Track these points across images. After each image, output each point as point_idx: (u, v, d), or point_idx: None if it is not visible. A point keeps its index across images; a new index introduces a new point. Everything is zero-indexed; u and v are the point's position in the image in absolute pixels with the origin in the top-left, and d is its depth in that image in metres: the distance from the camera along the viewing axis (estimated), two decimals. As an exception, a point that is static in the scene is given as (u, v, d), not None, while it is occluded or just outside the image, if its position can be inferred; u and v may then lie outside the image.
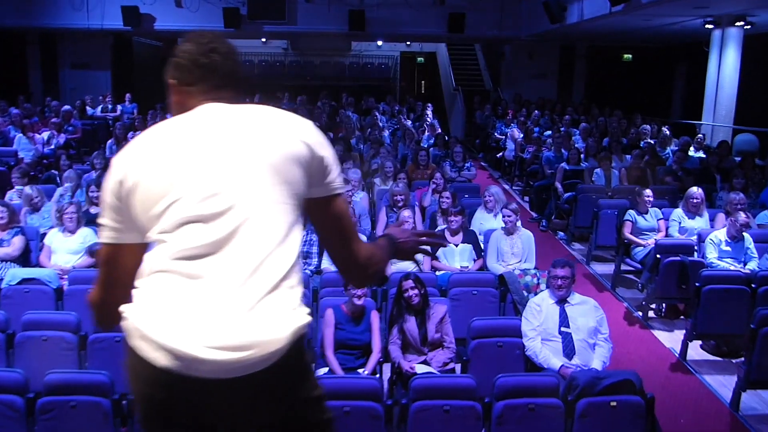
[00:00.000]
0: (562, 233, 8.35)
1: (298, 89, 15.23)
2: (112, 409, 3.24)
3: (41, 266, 5.31)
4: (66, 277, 4.96)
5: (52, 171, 8.60)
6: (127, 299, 1.38)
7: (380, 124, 11.86)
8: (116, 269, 1.49)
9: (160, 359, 1.28)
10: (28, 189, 6.30)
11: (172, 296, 1.32)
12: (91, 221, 6.03)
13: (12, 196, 6.66)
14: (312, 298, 4.69)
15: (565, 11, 12.55)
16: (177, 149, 1.42)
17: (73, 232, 5.43)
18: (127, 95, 13.90)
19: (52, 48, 16.16)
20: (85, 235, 5.45)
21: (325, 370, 4.10)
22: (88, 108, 13.47)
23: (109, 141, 9.89)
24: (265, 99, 12.15)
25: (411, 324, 4.19)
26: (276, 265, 1.36)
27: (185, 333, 1.28)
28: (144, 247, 1.47)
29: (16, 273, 4.85)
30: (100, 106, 13.61)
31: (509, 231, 5.57)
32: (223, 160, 1.40)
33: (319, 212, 1.53)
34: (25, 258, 5.50)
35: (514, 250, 5.52)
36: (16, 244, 5.36)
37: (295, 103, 12.87)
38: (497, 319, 4.64)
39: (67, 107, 11.42)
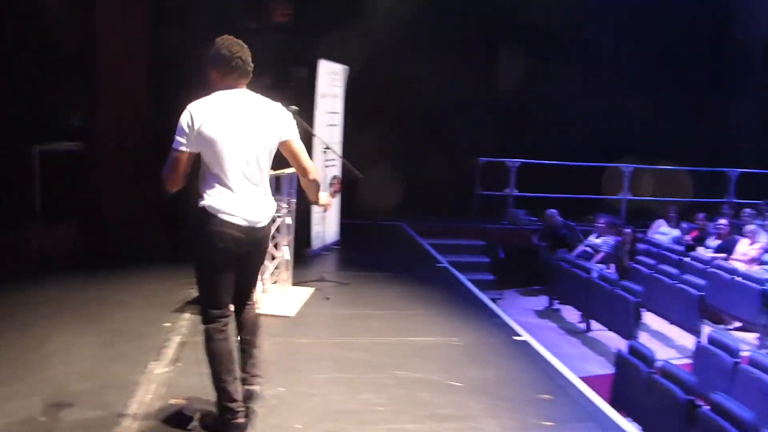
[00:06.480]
0: None
1: None
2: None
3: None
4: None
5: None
6: (180, 184, 2.82)
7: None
8: (181, 165, 2.79)
9: (239, 220, 2.83)
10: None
11: (229, 198, 2.81)
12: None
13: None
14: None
15: None
16: (228, 110, 2.82)
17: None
18: None
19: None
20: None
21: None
22: None
23: None
24: None
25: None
26: (266, 185, 2.96)
27: (242, 212, 2.83)
28: (193, 156, 2.80)
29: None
30: None
31: None
32: (250, 125, 2.83)
33: (282, 147, 2.99)
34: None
35: None
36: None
37: None
38: None
39: None
